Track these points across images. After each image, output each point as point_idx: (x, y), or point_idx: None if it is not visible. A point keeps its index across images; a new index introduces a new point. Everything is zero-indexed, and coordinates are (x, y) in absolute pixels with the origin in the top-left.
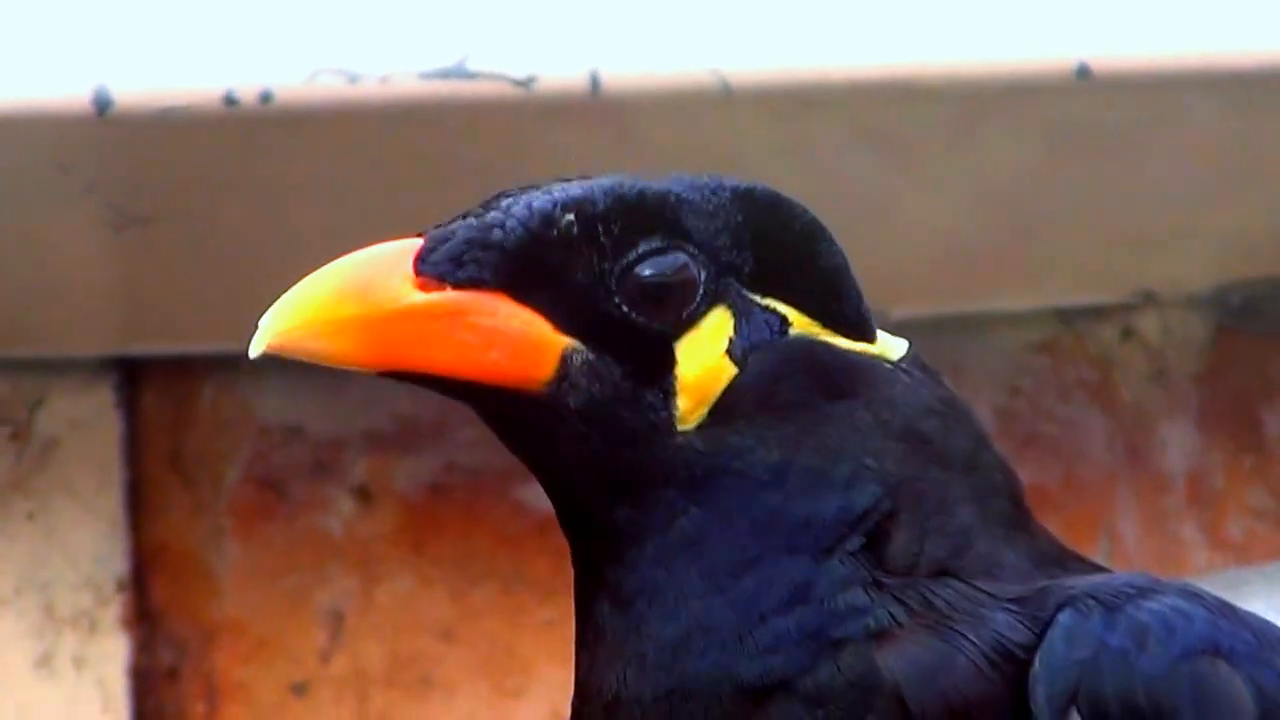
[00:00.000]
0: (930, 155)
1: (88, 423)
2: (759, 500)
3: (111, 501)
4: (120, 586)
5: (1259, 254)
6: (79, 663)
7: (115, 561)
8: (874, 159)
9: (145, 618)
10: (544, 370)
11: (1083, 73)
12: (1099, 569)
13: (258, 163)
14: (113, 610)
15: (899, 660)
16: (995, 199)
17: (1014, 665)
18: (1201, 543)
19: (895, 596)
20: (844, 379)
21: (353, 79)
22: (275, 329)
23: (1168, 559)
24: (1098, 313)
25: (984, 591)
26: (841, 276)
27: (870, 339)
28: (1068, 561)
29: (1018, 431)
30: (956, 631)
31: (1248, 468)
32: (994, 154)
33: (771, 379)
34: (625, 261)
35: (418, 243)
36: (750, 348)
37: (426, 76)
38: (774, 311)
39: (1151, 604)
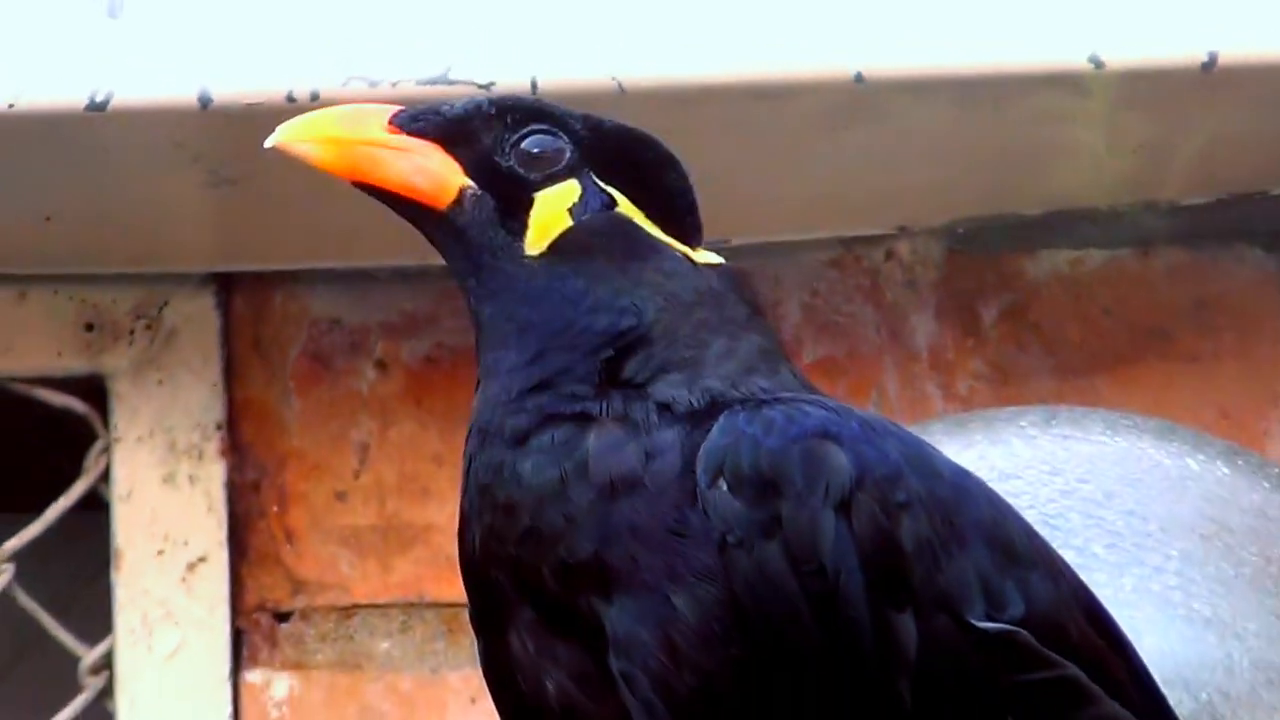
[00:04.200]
0: (765, 141)
1: (197, 318)
2: (561, 311)
3: (213, 371)
4: (218, 428)
5: (977, 199)
6: (192, 479)
7: (215, 411)
8: (730, 143)
9: (236, 449)
10: (447, 196)
11: (859, 79)
12: (819, 395)
13: None
14: (214, 444)
15: (595, 439)
16: (808, 169)
17: (671, 457)
18: (940, 396)
19: (606, 397)
20: (640, 248)
21: (372, 84)
22: (286, 135)
23: (917, 408)
24: (869, 240)
25: (667, 407)
26: (677, 197)
27: (686, 242)
28: (804, 389)
29: (817, 320)
30: (624, 445)
31: (970, 346)
32: (807, 139)
33: (590, 233)
34: (518, 135)
35: (394, 108)
36: (584, 211)
37: (421, 82)
38: (608, 194)
39: (784, 406)
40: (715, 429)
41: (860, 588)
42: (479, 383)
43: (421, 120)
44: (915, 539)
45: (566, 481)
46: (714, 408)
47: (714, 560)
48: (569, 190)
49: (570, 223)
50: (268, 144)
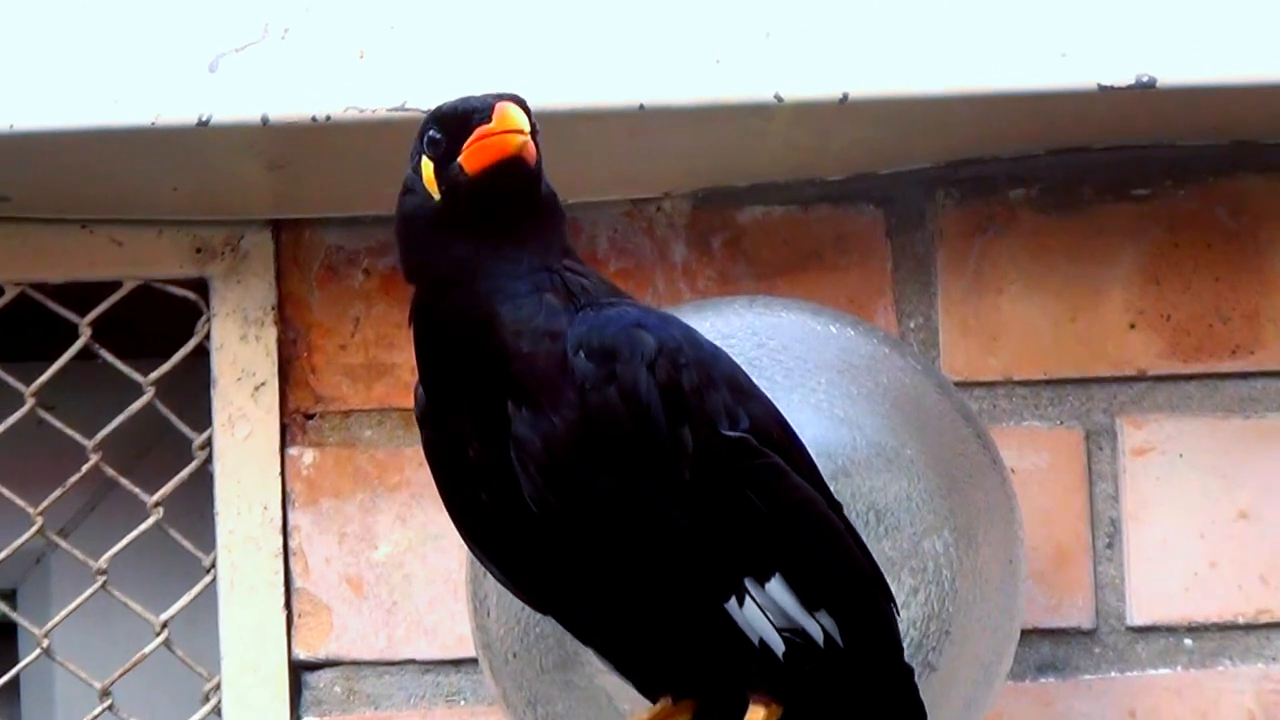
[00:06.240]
0: (588, 144)
1: (261, 245)
2: (528, 261)
3: (269, 274)
4: (273, 308)
5: (709, 176)
6: (258, 338)
7: (271, 299)
8: (569, 146)
9: (285, 321)
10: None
11: (641, 107)
12: (624, 297)
13: (326, 147)
14: (270, 318)
15: (546, 305)
16: (612, 159)
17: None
18: (688, 292)
19: (550, 297)
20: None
21: (360, 110)
22: (513, 126)
23: (675, 298)
24: (646, 200)
25: (574, 304)
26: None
27: None
28: (612, 295)
29: (617, 247)
30: (558, 315)
31: (705, 262)
32: (611, 143)
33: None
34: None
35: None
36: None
37: (390, 109)
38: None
39: (616, 308)
40: (576, 320)
41: (660, 412)
42: (475, 279)
43: (534, 132)
44: (690, 384)
45: (526, 326)
46: (583, 305)
47: (576, 397)
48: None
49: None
50: (512, 130)
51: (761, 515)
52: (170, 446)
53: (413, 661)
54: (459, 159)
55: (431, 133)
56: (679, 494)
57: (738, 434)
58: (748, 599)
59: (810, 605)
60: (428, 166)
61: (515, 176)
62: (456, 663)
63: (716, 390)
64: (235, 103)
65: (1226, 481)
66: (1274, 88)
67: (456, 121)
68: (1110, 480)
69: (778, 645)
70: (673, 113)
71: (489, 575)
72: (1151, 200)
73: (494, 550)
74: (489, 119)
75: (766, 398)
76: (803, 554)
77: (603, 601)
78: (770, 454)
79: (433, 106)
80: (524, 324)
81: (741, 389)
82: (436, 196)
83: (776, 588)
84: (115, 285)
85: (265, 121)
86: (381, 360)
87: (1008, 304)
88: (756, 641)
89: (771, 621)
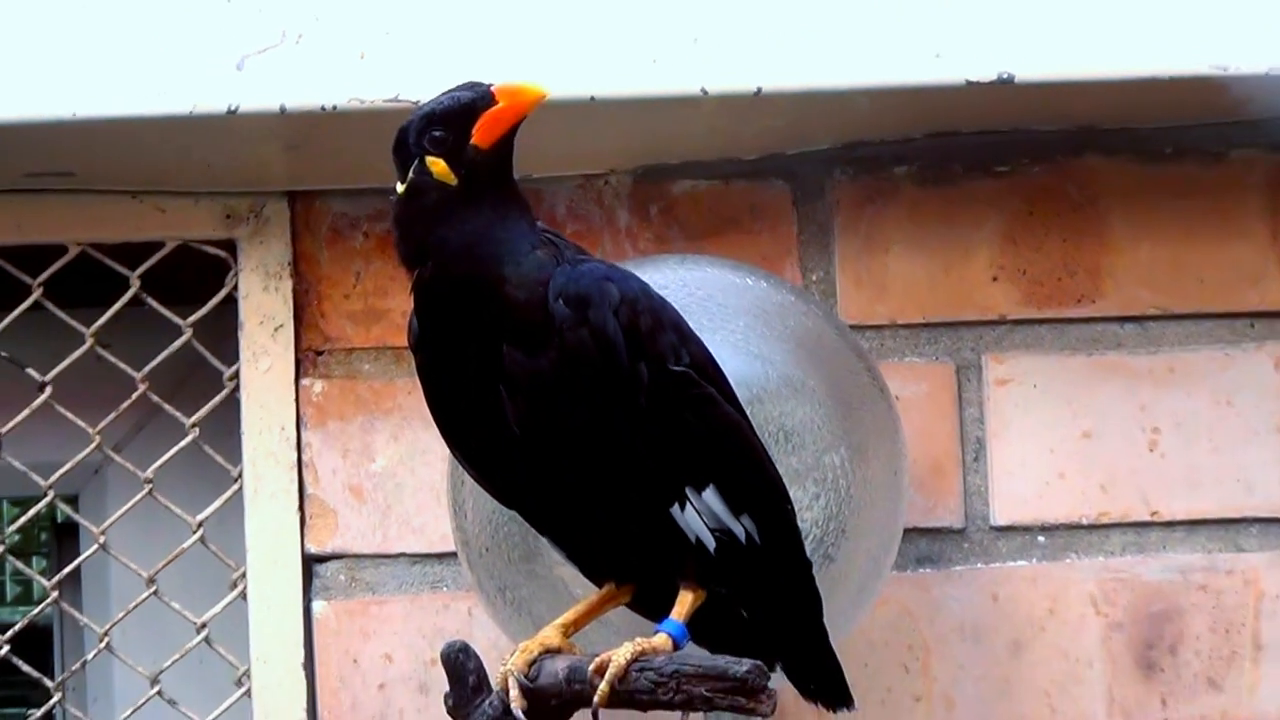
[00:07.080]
0: (552, 130)
1: (279, 212)
2: (523, 223)
3: (286, 236)
4: (289, 264)
5: (646, 155)
6: (277, 288)
7: (287, 257)
8: (534, 131)
9: (299, 275)
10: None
11: (592, 99)
12: (591, 256)
13: (333, 132)
14: (287, 271)
15: (536, 258)
16: (573, 141)
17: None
18: (631, 251)
19: (540, 253)
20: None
21: (361, 101)
22: (520, 91)
23: (619, 256)
24: (597, 176)
25: (556, 258)
26: None
27: None
28: (579, 252)
29: (574, 214)
30: (547, 267)
31: (646, 226)
32: (568, 129)
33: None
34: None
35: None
36: None
37: (384, 100)
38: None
39: (588, 265)
40: (557, 274)
41: (623, 350)
42: (433, 248)
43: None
44: (646, 327)
45: (525, 280)
46: (565, 260)
47: (555, 337)
48: None
49: None
50: (544, 92)
51: (699, 436)
52: (204, 378)
53: (404, 555)
54: (472, 141)
55: (435, 133)
56: (637, 419)
57: (681, 369)
58: (688, 505)
59: (736, 510)
60: (437, 163)
61: (510, 140)
62: (440, 556)
63: (665, 333)
64: (258, 95)
65: (1072, 408)
66: (1113, 83)
67: (458, 115)
68: (977, 406)
69: (710, 542)
70: (618, 103)
71: (466, 483)
72: (1011, 176)
73: (474, 456)
74: (493, 103)
75: (700, 340)
76: (731, 468)
77: (568, 504)
78: (706, 386)
79: (419, 99)
80: (523, 278)
81: (683, 332)
82: (454, 182)
83: (710, 495)
84: (159, 245)
85: (283, 111)
86: (378, 307)
87: (893, 261)
88: (694, 539)
89: (706, 523)
